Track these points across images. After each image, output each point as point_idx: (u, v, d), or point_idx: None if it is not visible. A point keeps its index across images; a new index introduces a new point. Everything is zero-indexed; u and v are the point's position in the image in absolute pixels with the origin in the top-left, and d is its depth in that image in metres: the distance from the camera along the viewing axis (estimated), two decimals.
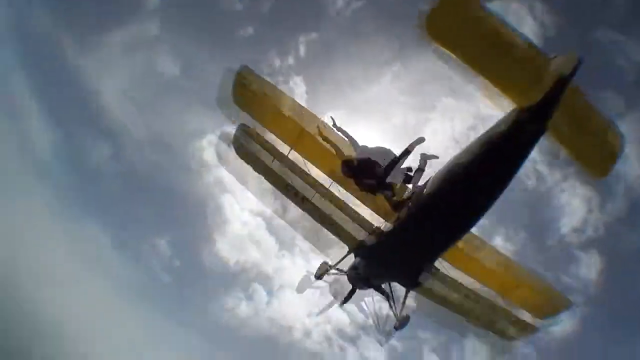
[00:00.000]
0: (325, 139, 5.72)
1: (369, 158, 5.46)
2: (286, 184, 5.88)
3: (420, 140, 5.40)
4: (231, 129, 5.92)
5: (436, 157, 5.47)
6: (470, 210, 4.61)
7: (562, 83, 3.69)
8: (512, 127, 4.01)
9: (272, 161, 5.87)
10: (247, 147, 5.91)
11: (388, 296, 6.47)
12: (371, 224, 5.76)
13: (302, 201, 5.92)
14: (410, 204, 5.13)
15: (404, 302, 6.09)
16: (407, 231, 5.15)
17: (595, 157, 4.26)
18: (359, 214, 5.81)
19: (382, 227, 5.69)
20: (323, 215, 5.85)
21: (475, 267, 6.09)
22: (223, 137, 6.03)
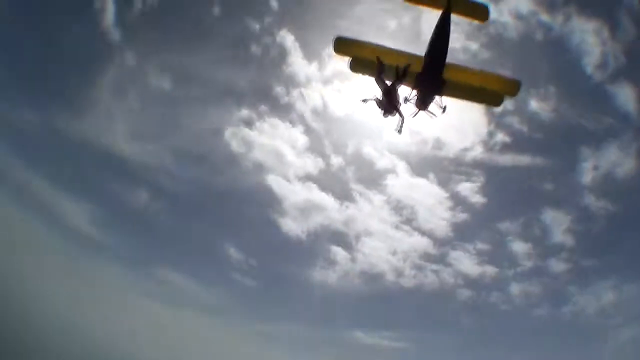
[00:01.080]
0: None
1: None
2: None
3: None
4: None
5: None
6: (442, 49, 12.89)
7: None
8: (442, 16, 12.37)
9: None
10: (358, 64, 13.86)
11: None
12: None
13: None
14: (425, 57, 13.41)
15: (441, 100, 14.18)
16: (428, 62, 13.39)
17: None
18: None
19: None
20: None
21: (460, 75, 13.75)
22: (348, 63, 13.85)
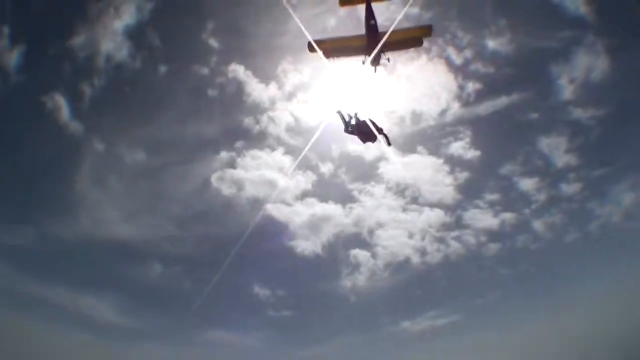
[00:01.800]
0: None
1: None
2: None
3: None
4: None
5: None
6: (374, 25, 19.78)
7: None
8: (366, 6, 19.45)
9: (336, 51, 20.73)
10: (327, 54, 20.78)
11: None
12: None
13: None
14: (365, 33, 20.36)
15: (385, 56, 21.16)
16: (368, 36, 20.25)
17: None
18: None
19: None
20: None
21: (391, 36, 20.90)
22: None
